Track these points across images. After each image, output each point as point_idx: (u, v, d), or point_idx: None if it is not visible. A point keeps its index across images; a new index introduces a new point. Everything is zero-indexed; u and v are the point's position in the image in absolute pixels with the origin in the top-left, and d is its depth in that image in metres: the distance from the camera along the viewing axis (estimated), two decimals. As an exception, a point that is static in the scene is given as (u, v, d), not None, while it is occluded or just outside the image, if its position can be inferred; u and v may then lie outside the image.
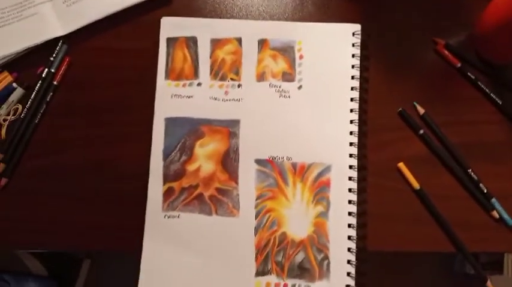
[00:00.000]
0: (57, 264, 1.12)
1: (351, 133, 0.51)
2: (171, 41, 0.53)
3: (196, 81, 0.53)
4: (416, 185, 0.51)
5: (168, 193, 0.50)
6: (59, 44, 0.53)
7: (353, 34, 0.53)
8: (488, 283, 0.51)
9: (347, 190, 0.50)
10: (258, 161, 0.51)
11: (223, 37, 0.53)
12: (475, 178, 0.51)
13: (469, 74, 0.53)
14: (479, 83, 0.53)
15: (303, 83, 0.52)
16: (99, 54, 0.54)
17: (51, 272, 1.10)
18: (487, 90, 0.53)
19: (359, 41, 0.53)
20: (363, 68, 0.53)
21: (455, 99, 0.53)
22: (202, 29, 0.54)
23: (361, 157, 0.51)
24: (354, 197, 0.50)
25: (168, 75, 0.53)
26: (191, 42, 0.53)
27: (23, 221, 0.51)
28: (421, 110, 0.52)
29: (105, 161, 0.52)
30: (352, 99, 0.52)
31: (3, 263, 1.06)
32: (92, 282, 1.16)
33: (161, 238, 0.50)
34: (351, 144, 0.51)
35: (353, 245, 0.49)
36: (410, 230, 0.51)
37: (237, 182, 0.51)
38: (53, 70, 0.52)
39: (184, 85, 0.52)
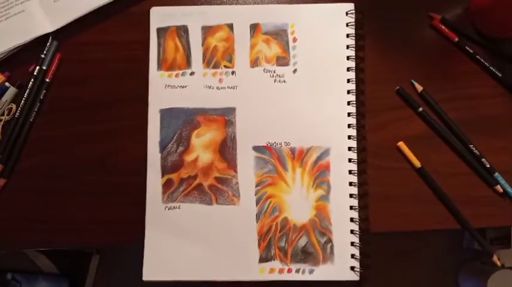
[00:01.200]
0: (68, 261, 1.13)
1: (349, 115, 0.50)
2: (161, 31, 0.53)
3: (189, 71, 0.52)
4: (417, 163, 0.50)
5: (167, 185, 0.50)
6: (49, 40, 0.52)
7: (346, 13, 0.52)
8: (494, 257, 0.50)
9: (347, 172, 0.50)
10: (256, 148, 0.51)
11: (214, 24, 0.53)
12: (477, 153, 0.50)
13: (467, 48, 0.52)
14: (477, 56, 0.52)
15: (298, 67, 0.52)
16: (90, 48, 0.53)
17: (62, 269, 1.11)
18: (486, 64, 0.51)
19: (353, 20, 0.52)
20: (358, 47, 0.52)
21: (454, 75, 0.52)
22: (192, 17, 0.53)
23: (360, 138, 0.50)
24: (354, 179, 0.49)
25: (160, 66, 0.52)
26: (182, 31, 0.53)
27: (25, 221, 0.51)
28: (419, 88, 0.51)
29: (103, 156, 0.51)
30: (348, 81, 0.51)
31: (15, 264, 1.08)
32: (102, 277, 1.17)
33: (163, 229, 0.49)
34: (349, 126, 0.50)
35: (356, 227, 0.49)
36: (413, 209, 0.50)
37: (235, 171, 0.50)
38: (44, 67, 0.52)
39: (177, 75, 0.52)
